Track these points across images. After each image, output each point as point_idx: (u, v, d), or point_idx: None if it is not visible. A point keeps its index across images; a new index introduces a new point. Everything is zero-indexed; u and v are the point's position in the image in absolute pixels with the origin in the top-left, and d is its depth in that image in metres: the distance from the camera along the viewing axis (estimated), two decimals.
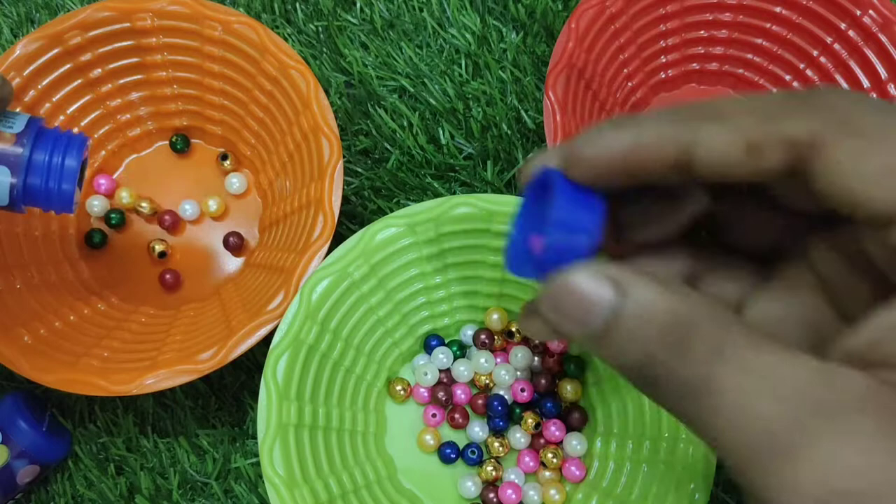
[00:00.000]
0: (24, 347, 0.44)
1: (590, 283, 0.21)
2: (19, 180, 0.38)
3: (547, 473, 0.47)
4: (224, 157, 0.53)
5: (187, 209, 0.53)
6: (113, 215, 0.53)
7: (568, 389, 0.47)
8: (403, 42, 0.58)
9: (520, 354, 0.48)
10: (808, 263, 0.24)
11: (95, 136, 0.53)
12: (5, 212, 0.49)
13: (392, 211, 0.53)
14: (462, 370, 0.48)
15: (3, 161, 0.37)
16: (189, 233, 0.54)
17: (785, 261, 0.25)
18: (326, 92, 0.56)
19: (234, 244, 0.52)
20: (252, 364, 0.51)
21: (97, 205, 0.53)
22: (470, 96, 0.56)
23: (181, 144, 0.54)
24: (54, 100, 0.50)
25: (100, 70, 0.51)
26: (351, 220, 0.54)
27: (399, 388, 0.48)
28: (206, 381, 0.51)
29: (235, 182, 0.53)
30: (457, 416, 0.47)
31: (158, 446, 0.50)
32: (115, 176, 0.54)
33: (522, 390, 0.47)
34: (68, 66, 0.50)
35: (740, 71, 0.54)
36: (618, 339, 0.21)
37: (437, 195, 0.54)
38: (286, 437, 0.41)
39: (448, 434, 0.48)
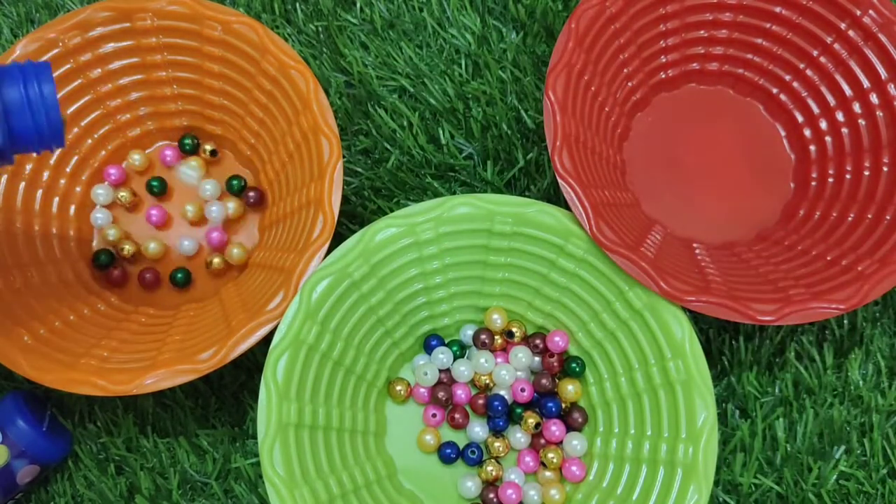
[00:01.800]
0: (24, 347, 0.44)
1: None
2: (2, 130, 0.34)
3: (547, 473, 0.47)
4: (213, 152, 0.54)
5: (185, 244, 0.53)
6: (126, 247, 0.53)
7: (569, 389, 0.47)
8: (403, 42, 0.58)
9: (520, 354, 0.48)
10: None
11: (95, 135, 0.53)
12: (4, 213, 0.49)
13: (392, 211, 0.53)
14: (462, 370, 0.48)
15: None
16: (187, 231, 0.54)
17: None
18: (326, 92, 0.56)
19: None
20: (252, 364, 0.51)
21: (101, 193, 0.53)
22: (470, 96, 0.56)
23: (190, 146, 0.54)
24: None
25: (100, 70, 0.51)
26: (351, 220, 0.54)
27: (399, 388, 0.48)
28: (206, 381, 0.51)
29: (209, 188, 0.53)
30: (457, 415, 0.47)
31: (158, 446, 0.50)
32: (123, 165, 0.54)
33: (522, 390, 0.47)
34: (68, 66, 0.50)
35: (740, 71, 0.54)
36: None
37: (437, 195, 0.54)
38: (286, 437, 0.41)
39: (448, 434, 0.48)
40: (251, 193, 0.53)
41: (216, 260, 0.52)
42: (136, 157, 0.53)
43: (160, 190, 0.53)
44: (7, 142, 0.35)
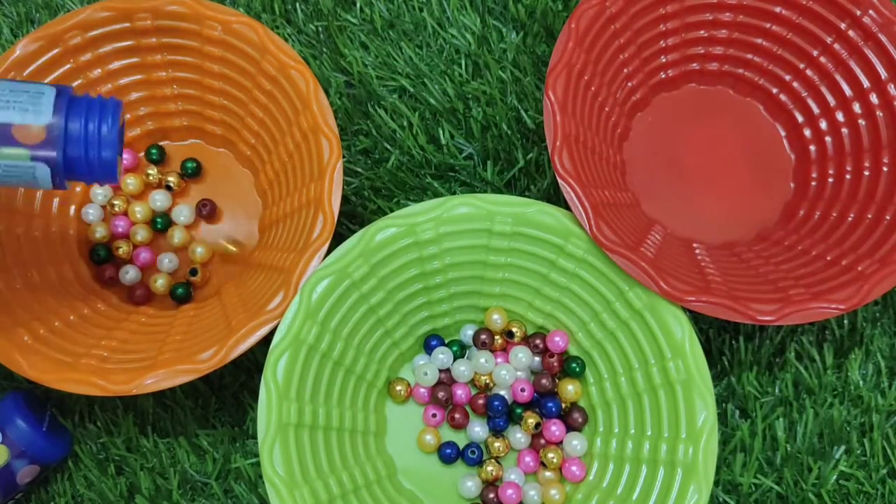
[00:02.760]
0: (23, 347, 0.44)
1: None
2: (59, 155, 0.37)
3: (547, 473, 0.47)
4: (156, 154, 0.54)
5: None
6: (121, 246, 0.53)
7: (569, 389, 0.47)
8: (403, 42, 0.58)
9: (520, 354, 0.48)
10: None
11: None
12: (5, 213, 0.49)
13: (392, 211, 0.53)
14: (462, 370, 0.48)
15: (40, 159, 0.36)
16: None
17: None
18: (326, 92, 0.56)
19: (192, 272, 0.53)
20: (252, 364, 0.51)
21: (100, 193, 0.53)
22: (470, 96, 0.56)
23: (157, 156, 0.54)
24: None
25: (99, 70, 0.51)
26: (351, 220, 0.54)
27: (399, 388, 0.48)
28: (206, 381, 0.51)
29: (159, 200, 0.53)
30: (457, 415, 0.47)
31: (158, 446, 0.50)
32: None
33: (522, 390, 0.47)
34: (68, 66, 0.50)
35: (740, 71, 0.54)
36: None
37: (437, 195, 0.54)
38: (286, 437, 0.41)
39: (448, 434, 0.48)
40: (205, 207, 0.53)
41: (197, 274, 0.52)
42: (130, 182, 0.54)
43: (164, 226, 0.54)
44: (62, 167, 0.37)
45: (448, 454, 0.47)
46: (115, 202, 0.53)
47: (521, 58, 0.56)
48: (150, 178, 0.54)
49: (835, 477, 0.47)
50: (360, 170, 0.55)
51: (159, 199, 0.53)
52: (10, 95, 0.36)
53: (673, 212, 0.52)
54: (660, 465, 0.42)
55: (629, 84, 0.52)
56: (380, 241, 0.45)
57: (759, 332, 0.51)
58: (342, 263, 0.44)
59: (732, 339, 0.50)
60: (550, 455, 0.46)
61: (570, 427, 0.47)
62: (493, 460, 0.47)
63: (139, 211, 0.53)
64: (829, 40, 0.51)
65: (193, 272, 0.51)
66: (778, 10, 0.52)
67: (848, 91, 0.51)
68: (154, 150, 0.54)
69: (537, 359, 0.48)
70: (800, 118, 0.53)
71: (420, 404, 0.49)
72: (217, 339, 0.43)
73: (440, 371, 0.48)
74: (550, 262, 0.46)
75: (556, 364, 0.47)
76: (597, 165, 0.48)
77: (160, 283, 0.52)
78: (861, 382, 0.50)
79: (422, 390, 0.48)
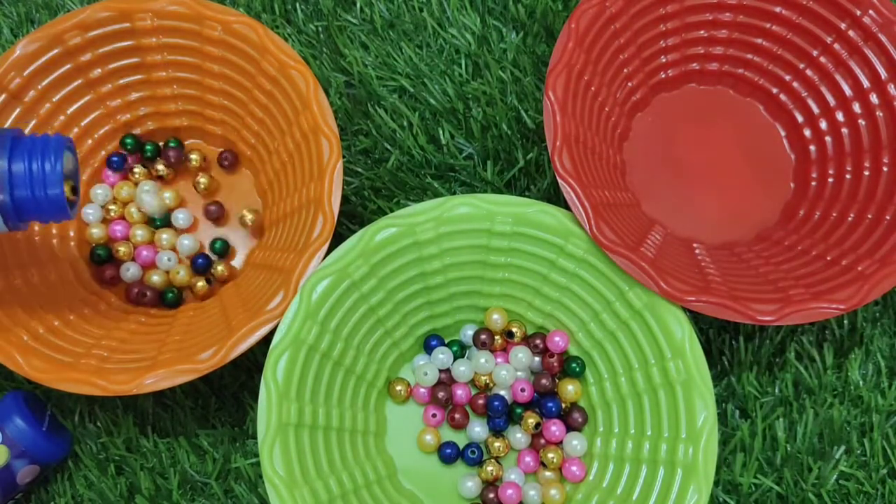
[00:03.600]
0: (23, 347, 0.44)
1: None
2: (7, 199, 0.37)
3: (547, 473, 0.47)
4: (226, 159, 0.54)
5: (179, 218, 0.53)
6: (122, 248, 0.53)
7: (569, 389, 0.47)
8: (403, 42, 0.58)
9: (520, 354, 0.48)
10: None
11: (95, 135, 0.53)
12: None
13: (392, 211, 0.53)
14: (462, 370, 0.48)
15: None
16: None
17: None
18: (326, 92, 0.56)
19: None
20: (252, 364, 0.51)
21: (100, 193, 0.53)
22: (470, 96, 0.56)
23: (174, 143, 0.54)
24: (54, 100, 0.50)
25: (100, 70, 0.51)
26: (351, 220, 0.54)
27: (399, 388, 0.48)
28: (206, 381, 0.51)
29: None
30: (457, 415, 0.47)
31: (158, 446, 0.50)
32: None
33: (522, 390, 0.47)
34: (68, 66, 0.50)
35: (740, 71, 0.54)
36: None
37: (437, 195, 0.54)
38: (286, 437, 0.41)
39: (448, 434, 0.48)
40: (225, 158, 0.53)
41: (199, 284, 0.52)
42: (124, 191, 0.53)
43: (162, 223, 0.53)
44: (11, 209, 0.37)
45: (448, 454, 0.47)
46: (111, 207, 0.53)
47: (521, 58, 0.56)
48: (137, 175, 0.53)
49: (835, 477, 0.47)
50: (360, 170, 0.55)
51: (147, 191, 0.53)
52: None
53: (673, 212, 0.52)
54: (660, 465, 0.42)
55: (629, 84, 0.52)
56: (380, 241, 0.45)
57: (759, 332, 0.51)
58: (342, 263, 0.44)
59: (732, 339, 0.50)
60: (550, 455, 0.46)
61: (570, 427, 0.47)
62: (493, 460, 0.47)
63: (135, 212, 0.53)
64: (829, 40, 0.51)
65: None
66: (778, 10, 0.52)
67: (848, 91, 0.51)
68: (149, 147, 0.54)
69: (537, 359, 0.48)
70: (800, 118, 0.53)
71: (420, 404, 0.49)
72: (217, 339, 0.43)
73: (440, 371, 0.48)
74: (550, 262, 0.46)
75: (556, 364, 0.47)
76: (597, 165, 0.48)
77: (155, 279, 0.52)
78: (861, 382, 0.50)
79: (422, 390, 0.48)
